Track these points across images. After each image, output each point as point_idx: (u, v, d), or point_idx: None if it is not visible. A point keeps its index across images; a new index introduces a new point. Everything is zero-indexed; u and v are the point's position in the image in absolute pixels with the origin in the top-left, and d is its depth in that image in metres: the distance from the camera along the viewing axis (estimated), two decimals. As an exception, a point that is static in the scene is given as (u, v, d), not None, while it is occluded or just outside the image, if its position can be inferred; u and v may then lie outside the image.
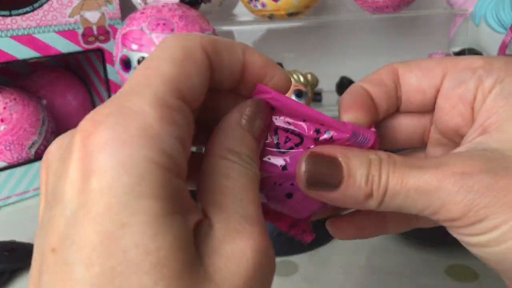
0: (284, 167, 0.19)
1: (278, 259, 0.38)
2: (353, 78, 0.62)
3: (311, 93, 0.44)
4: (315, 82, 0.44)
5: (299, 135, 0.19)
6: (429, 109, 0.22)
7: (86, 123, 0.15)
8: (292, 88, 0.42)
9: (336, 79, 0.62)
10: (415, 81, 0.22)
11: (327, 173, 0.18)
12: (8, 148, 0.54)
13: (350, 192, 0.18)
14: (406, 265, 0.38)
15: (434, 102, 0.22)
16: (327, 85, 0.62)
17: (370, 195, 0.18)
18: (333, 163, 0.18)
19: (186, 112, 0.16)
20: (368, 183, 0.18)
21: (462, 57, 0.21)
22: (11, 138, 0.55)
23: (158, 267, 0.13)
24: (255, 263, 0.15)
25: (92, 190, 0.14)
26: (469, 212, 0.17)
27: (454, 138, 0.22)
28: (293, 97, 0.42)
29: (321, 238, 0.40)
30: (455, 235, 0.18)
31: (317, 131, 0.19)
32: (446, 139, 0.22)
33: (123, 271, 0.13)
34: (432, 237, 0.38)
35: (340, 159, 0.18)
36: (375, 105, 0.22)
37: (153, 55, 0.17)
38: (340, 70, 0.74)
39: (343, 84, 0.61)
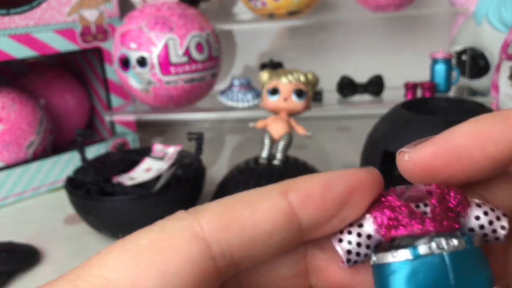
0: None
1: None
2: (354, 77, 0.61)
3: (312, 93, 0.43)
4: (315, 81, 0.43)
5: None
6: None
7: None
8: (292, 88, 0.41)
9: (337, 78, 0.62)
10: None
11: None
12: (6, 148, 0.54)
13: None
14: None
15: None
16: (327, 84, 0.62)
17: None
18: None
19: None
20: None
21: None
22: (8, 137, 0.54)
23: None
24: None
25: None
26: None
27: None
28: (293, 97, 0.42)
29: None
30: None
31: None
32: None
33: None
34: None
35: None
36: None
37: None
38: (341, 69, 0.73)
39: (344, 84, 0.61)
